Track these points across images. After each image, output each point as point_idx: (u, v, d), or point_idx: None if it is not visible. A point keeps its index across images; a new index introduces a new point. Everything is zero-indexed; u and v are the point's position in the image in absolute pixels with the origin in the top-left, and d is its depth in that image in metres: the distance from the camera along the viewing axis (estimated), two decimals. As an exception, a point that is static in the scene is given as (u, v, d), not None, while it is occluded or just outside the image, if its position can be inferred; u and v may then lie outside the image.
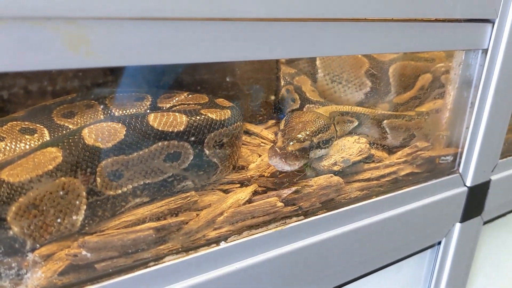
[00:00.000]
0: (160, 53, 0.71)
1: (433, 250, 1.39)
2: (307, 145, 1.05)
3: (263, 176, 1.06)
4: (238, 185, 1.05)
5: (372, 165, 1.16)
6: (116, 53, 0.67)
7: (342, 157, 1.10)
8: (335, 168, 1.08)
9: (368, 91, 1.63)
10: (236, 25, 0.77)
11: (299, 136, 1.06)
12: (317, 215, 1.02)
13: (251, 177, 1.06)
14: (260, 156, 1.18)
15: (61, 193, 0.79)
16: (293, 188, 0.99)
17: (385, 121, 1.34)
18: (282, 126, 1.16)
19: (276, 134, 1.13)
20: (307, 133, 1.08)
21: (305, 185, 1.02)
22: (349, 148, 1.15)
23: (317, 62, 1.63)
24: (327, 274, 1.08)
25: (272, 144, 1.11)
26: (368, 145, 1.17)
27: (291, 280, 1.00)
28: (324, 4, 0.84)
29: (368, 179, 1.13)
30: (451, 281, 1.40)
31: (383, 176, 1.15)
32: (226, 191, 1.02)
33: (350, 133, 1.31)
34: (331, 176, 1.06)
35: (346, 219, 1.06)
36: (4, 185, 0.73)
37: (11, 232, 0.72)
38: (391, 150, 1.31)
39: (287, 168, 0.98)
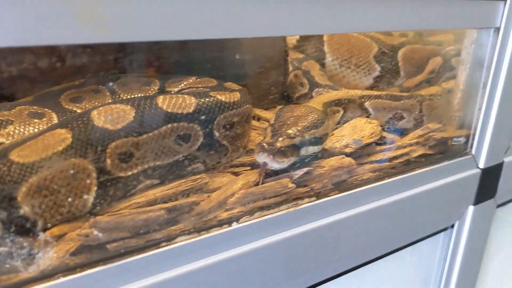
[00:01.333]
0: (174, 28, 0.70)
1: (446, 233, 1.37)
2: (297, 141, 0.98)
3: (274, 159, 1.05)
4: (249, 167, 1.03)
5: (383, 146, 1.15)
6: (129, 29, 0.66)
7: (353, 139, 1.09)
8: (347, 150, 1.07)
9: (377, 76, 1.62)
10: None
11: (289, 131, 1.00)
12: (329, 196, 1.00)
13: (262, 160, 1.04)
14: (269, 140, 1.17)
15: (71, 174, 0.78)
16: (305, 169, 0.98)
17: (367, 102, 1.31)
18: (272, 121, 1.09)
19: (265, 129, 1.07)
20: (299, 128, 1.02)
21: (316, 166, 1.00)
22: (361, 130, 1.13)
23: (325, 47, 1.61)
24: (339, 256, 1.07)
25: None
26: (379, 127, 1.16)
27: (303, 262, 0.99)
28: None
29: (380, 161, 1.11)
30: (465, 264, 1.39)
31: (395, 158, 1.13)
32: (236, 174, 1.01)
33: (339, 122, 1.27)
34: (343, 158, 1.04)
35: (359, 200, 1.05)
36: (14, 166, 0.73)
37: (21, 212, 0.71)
38: (402, 133, 1.29)
39: (275, 165, 0.93)
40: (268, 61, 1.41)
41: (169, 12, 0.68)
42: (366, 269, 1.18)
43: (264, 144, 0.94)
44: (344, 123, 1.25)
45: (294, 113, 1.09)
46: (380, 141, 1.15)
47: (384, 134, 1.19)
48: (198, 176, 0.93)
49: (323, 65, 1.60)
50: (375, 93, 1.35)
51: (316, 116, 1.08)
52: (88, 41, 0.63)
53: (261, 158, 0.92)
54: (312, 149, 1.04)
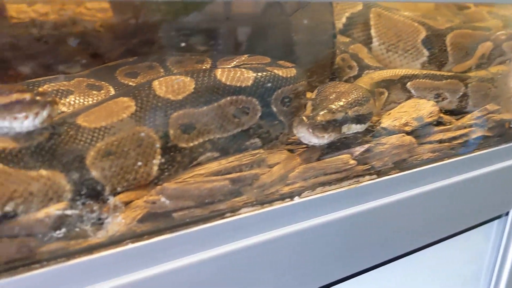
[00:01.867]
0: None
1: (501, 221, 1.32)
2: (339, 117, 0.91)
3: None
4: (305, 146, 1.00)
5: (442, 127, 1.11)
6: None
7: (412, 117, 1.05)
8: (406, 128, 1.03)
9: (425, 61, 1.57)
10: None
11: (332, 106, 0.93)
12: (389, 175, 0.97)
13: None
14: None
15: (135, 141, 0.77)
16: (366, 146, 0.95)
17: (408, 83, 1.26)
18: (313, 95, 1.02)
19: (305, 104, 1.01)
20: (341, 104, 0.95)
21: (377, 143, 0.97)
22: (418, 109, 1.10)
23: (372, 31, 1.57)
24: (396, 238, 1.04)
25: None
26: (437, 107, 1.12)
27: (361, 241, 0.96)
28: None
29: (440, 141, 1.07)
30: (520, 254, 1.34)
31: (455, 138, 1.09)
32: (292, 151, 0.98)
33: (385, 105, 1.22)
34: (404, 136, 1.01)
35: (418, 181, 1.02)
36: (81, 129, 0.72)
37: (90, 175, 0.70)
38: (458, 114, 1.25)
39: (314, 140, 0.86)
40: (316, 43, 1.38)
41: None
42: (417, 256, 1.15)
43: (304, 117, 0.87)
44: (389, 104, 1.21)
45: (337, 89, 1.02)
46: (439, 120, 1.11)
47: (441, 114, 1.15)
48: (256, 151, 0.91)
49: (369, 49, 1.56)
50: (418, 72, 1.30)
51: (360, 93, 1.00)
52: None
53: (299, 132, 0.86)
54: (355, 127, 0.97)
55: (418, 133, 1.06)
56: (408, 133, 1.03)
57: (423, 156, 1.03)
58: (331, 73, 1.43)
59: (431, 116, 1.08)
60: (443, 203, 1.09)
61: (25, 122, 0.65)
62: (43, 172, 0.66)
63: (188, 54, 1.16)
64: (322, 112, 0.89)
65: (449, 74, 1.36)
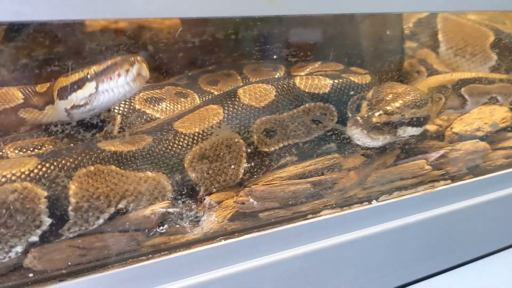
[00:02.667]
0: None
1: None
2: (396, 119, 0.89)
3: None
4: (378, 150, 1.03)
5: (515, 133, 1.11)
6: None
7: (485, 123, 1.06)
8: (479, 133, 1.04)
9: (493, 65, 1.55)
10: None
11: (388, 107, 0.90)
12: (463, 180, 0.99)
13: (392, 143, 1.04)
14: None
15: (225, 146, 0.83)
16: (441, 152, 0.97)
17: (462, 89, 1.23)
18: (369, 95, 0.98)
19: (360, 102, 0.98)
20: (398, 105, 0.92)
21: (452, 149, 0.99)
22: (491, 115, 1.10)
23: (439, 36, 1.57)
24: (471, 241, 1.05)
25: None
26: (510, 113, 1.12)
27: (435, 244, 0.98)
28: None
29: (515, 147, 1.08)
30: None
31: (529, 144, 1.09)
32: (367, 156, 1.01)
33: (440, 112, 1.20)
34: (477, 142, 1.02)
35: (493, 186, 1.02)
36: (178, 135, 0.79)
37: (188, 177, 0.77)
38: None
39: (368, 142, 0.85)
40: (384, 49, 1.40)
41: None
42: (490, 259, 1.15)
43: (358, 117, 0.86)
44: (443, 111, 1.21)
45: (394, 89, 0.99)
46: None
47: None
48: (332, 156, 0.94)
49: (437, 54, 1.57)
50: (470, 75, 1.29)
51: (418, 95, 0.97)
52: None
53: (354, 132, 0.85)
54: (411, 131, 0.94)
55: (491, 138, 1.06)
56: (481, 139, 1.03)
57: (496, 162, 1.04)
58: (399, 79, 1.44)
59: (504, 122, 1.09)
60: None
61: (119, 81, 0.73)
62: (149, 173, 0.73)
63: (263, 62, 1.21)
64: (377, 113, 0.88)
65: (502, 77, 1.35)
